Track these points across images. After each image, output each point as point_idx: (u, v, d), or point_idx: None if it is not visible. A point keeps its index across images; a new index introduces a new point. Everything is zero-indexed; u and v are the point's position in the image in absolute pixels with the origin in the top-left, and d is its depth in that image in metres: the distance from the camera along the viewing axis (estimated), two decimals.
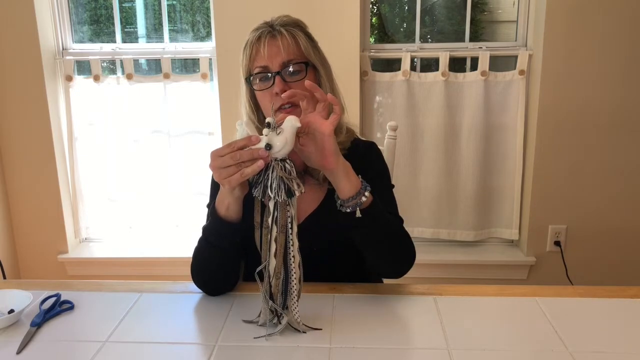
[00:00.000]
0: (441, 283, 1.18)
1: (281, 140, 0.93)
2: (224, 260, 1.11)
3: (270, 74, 1.12)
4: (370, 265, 1.13)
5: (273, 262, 0.96)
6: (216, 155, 0.96)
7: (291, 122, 0.94)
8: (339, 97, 1.21)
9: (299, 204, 1.18)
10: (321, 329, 0.99)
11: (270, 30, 1.13)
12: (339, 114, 0.98)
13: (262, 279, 0.98)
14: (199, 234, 1.12)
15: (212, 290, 1.15)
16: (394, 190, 1.26)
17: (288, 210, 0.95)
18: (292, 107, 1.11)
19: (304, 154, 1.02)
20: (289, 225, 0.96)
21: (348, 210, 1.03)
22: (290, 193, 0.94)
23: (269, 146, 0.92)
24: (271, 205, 0.95)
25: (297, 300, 0.98)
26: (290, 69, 1.12)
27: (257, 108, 1.19)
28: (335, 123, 0.98)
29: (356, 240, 1.09)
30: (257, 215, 0.99)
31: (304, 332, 0.98)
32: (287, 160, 0.95)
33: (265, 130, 0.93)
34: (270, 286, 0.97)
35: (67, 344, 0.97)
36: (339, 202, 1.04)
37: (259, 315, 1.02)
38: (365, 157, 1.23)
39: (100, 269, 2.70)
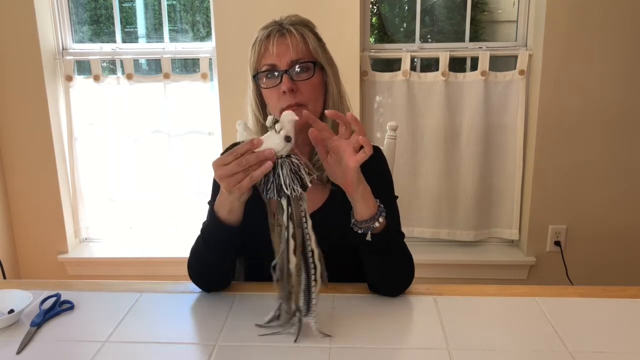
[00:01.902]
0: (441, 283, 1.18)
1: (283, 136, 0.94)
2: (220, 261, 1.12)
3: (277, 72, 1.12)
4: (370, 284, 1.15)
5: (294, 260, 0.96)
6: (219, 164, 0.96)
7: (289, 118, 0.95)
8: (344, 97, 1.21)
9: None
10: (331, 336, 0.97)
11: (279, 29, 1.13)
12: (368, 154, 0.97)
13: (276, 279, 0.97)
14: (199, 231, 1.13)
15: (206, 287, 1.16)
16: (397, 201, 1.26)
17: (301, 205, 0.95)
18: (298, 107, 1.11)
19: (328, 169, 1.03)
20: (304, 219, 0.96)
21: (360, 232, 1.05)
22: (304, 186, 0.94)
23: (289, 138, 0.93)
24: (284, 202, 0.95)
25: (316, 300, 0.97)
26: (298, 68, 1.12)
27: (264, 106, 1.20)
28: (362, 161, 0.98)
29: (362, 259, 1.10)
30: (272, 217, 0.99)
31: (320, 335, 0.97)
32: (293, 155, 0.95)
33: (277, 126, 0.94)
34: (292, 285, 0.96)
35: (67, 344, 0.97)
36: (352, 220, 1.06)
37: (271, 319, 1.00)
38: (370, 163, 1.23)
39: (100, 269, 2.70)
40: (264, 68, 1.13)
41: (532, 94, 2.46)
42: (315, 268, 0.96)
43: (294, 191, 0.94)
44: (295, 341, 0.96)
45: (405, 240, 1.19)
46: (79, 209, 2.68)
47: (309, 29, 1.17)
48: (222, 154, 0.97)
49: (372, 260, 1.10)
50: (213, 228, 1.08)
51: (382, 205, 1.06)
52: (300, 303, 0.96)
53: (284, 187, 0.94)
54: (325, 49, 1.19)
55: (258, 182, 0.96)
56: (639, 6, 2.29)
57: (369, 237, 1.05)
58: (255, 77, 1.16)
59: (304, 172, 0.95)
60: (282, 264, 0.96)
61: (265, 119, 1.20)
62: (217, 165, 0.96)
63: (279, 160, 0.94)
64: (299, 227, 0.95)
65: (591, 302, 1.09)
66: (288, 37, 1.12)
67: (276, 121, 0.95)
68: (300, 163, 0.95)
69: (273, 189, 0.95)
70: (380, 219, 1.04)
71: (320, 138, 1.00)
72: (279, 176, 0.94)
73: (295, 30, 1.13)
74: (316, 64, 1.14)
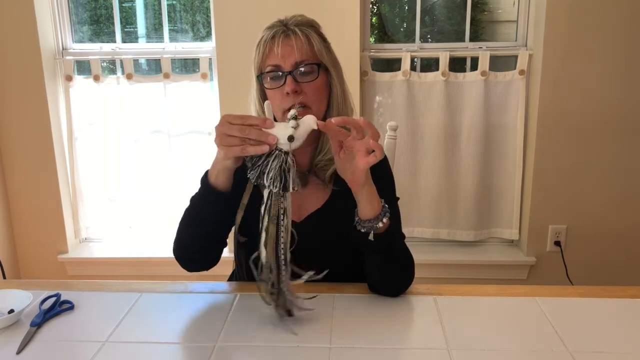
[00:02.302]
0: (441, 283, 1.18)
1: (293, 132, 0.94)
2: (203, 231, 1.11)
3: (281, 73, 1.12)
4: (370, 284, 1.15)
5: (263, 252, 0.96)
6: (226, 120, 0.96)
7: (309, 122, 0.95)
8: (348, 98, 1.22)
9: (302, 202, 1.18)
10: (313, 309, 1.03)
11: (284, 30, 1.13)
12: (379, 158, 0.97)
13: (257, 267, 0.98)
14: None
15: (190, 264, 1.16)
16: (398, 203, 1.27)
17: (281, 202, 0.95)
18: (302, 108, 1.12)
19: (338, 163, 1.04)
20: (281, 217, 0.95)
21: (363, 231, 1.05)
22: (285, 187, 0.94)
23: (292, 138, 0.93)
24: (265, 193, 0.95)
25: (291, 295, 0.98)
26: (302, 69, 1.12)
27: None
28: (372, 163, 0.98)
29: (364, 258, 1.10)
30: (246, 196, 0.99)
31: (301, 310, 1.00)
32: (291, 155, 0.95)
33: (292, 122, 0.94)
34: (263, 275, 0.97)
35: (67, 344, 0.97)
36: (356, 218, 1.06)
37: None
38: (373, 165, 1.24)
39: (100, 269, 2.70)
40: (268, 68, 1.13)
41: (532, 94, 2.46)
42: (284, 267, 0.96)
43: (273, 187, 0.94)
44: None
45: (405, 240, 1.19)
46: (79, 209, 2.68)
47: (314, 29, 1.16)
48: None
49: (374, 260, 1.09)
50: (201, 192, 1.09)
51: (386, 206, 1.06)
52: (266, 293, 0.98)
53: (264, 176, 0.94)
54: (330, 50, 1.19)
55: (248, 157, 0.97)
56: (639, 6, 2.29)
57: (371, 237, 1.05)
58: (259, 77, 1.16)
59: (291, 175, 0.94)
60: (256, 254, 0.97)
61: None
62: (224, 119, 0.97)
63: (276, 152, 0.94)
64: (272, 223, 0.95)
65: (591, 302, 1.09)
66: (293, 38, 1.12)
67: (296, 117, 0.95)
68: (293, 166, 0.95)
69: (256, 172, 0.95)
70: (384, 220, 1.04)
71: (336, 130, 0.99)
72: (267, 165, 0.94)
73: (300, 31, 1.13)
74: (320, 66, 1.14)
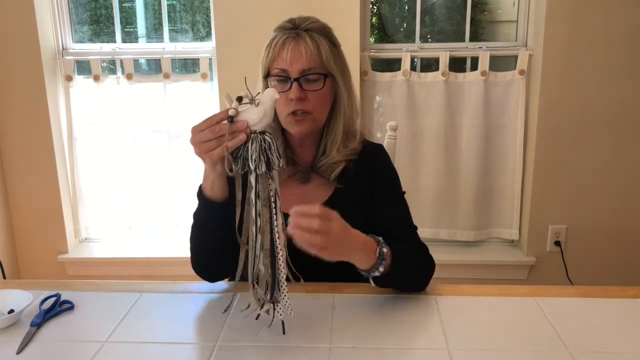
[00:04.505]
0: (441, 283, 1.18)
1: (259, 111, 0.93)
2: (216, 243, 1.10)
3: (288, 79, 1.13)
4: None
5: (259, 239, 0.94)
6: (196, 130, 0.97)
7: (270, 94, 0.95)
8: (355, 103, 1.22)
9: (303, 199, 1.18)
10: (284, 334, 0.96)
11: (294, 36, 1.13)
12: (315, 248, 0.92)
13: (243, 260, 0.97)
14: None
15: (211, 276, 1.16)
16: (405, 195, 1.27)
17: (270, 184, 0.94)
18: (304, 114, 1.13)
19: None
20: (272, 199, 0.94)
21: (361, 273, 1.05)
22: (270, 166, 0.93)
23: (231, 118, 0.93)
24: (252, 179, 0.94)
25: (285, 287, 0.96)
26: (309, 77, 1.13)
27: None
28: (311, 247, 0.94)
29: None
30: (239, 192, 0.97)
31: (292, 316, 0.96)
32: (267, 133, 0.95)
33: (234, 104, 0.94)
34: (259, 270, 0.95)
35: (67, 344, 0.97)
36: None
37: (248, 306, 1.00)
38: (375, 161, 1.25)
39: (100, 269, 2.70)
40: (275, 71, 1.14)
41: (532, 94, 2.46)
42: (280, 251, 0.94)
43: (258, 169, 0.92)
44: (270, 326, 0.97)
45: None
46: (79, 209, 2.68)
47: (325, 36, 1.16)
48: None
49: (387, 287, 1.11)
50: (201, 207, 1.09)
51: (383, 253, 1.03)
52: (264, 290, 0.94)
53: (249, 162, 0.93)
54: (340, 55, 1.19)
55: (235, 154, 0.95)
56: (639, 7, 2.29)
57: (372, 284, 1.06)
58: (266, 77, 1.17)
59: (273, 152, 0.93)
60: (250, 245, 0.95)
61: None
62: (194, 129, 0.97)
63: (252, 135, 0.94)
64: (265, 206, 0.93)
65: (591, 302, 1.09)
66: (302, 44, 1.12)
67: (252, 99, 0.95)
68: (272, 143, 0.94)
69: (240, 162, 0.94)
70: (381, 269, 1.03)
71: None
72: (247, 151, 0.93)
73: (310, 37, 1.13)
74: (327, 76, 1.15)
